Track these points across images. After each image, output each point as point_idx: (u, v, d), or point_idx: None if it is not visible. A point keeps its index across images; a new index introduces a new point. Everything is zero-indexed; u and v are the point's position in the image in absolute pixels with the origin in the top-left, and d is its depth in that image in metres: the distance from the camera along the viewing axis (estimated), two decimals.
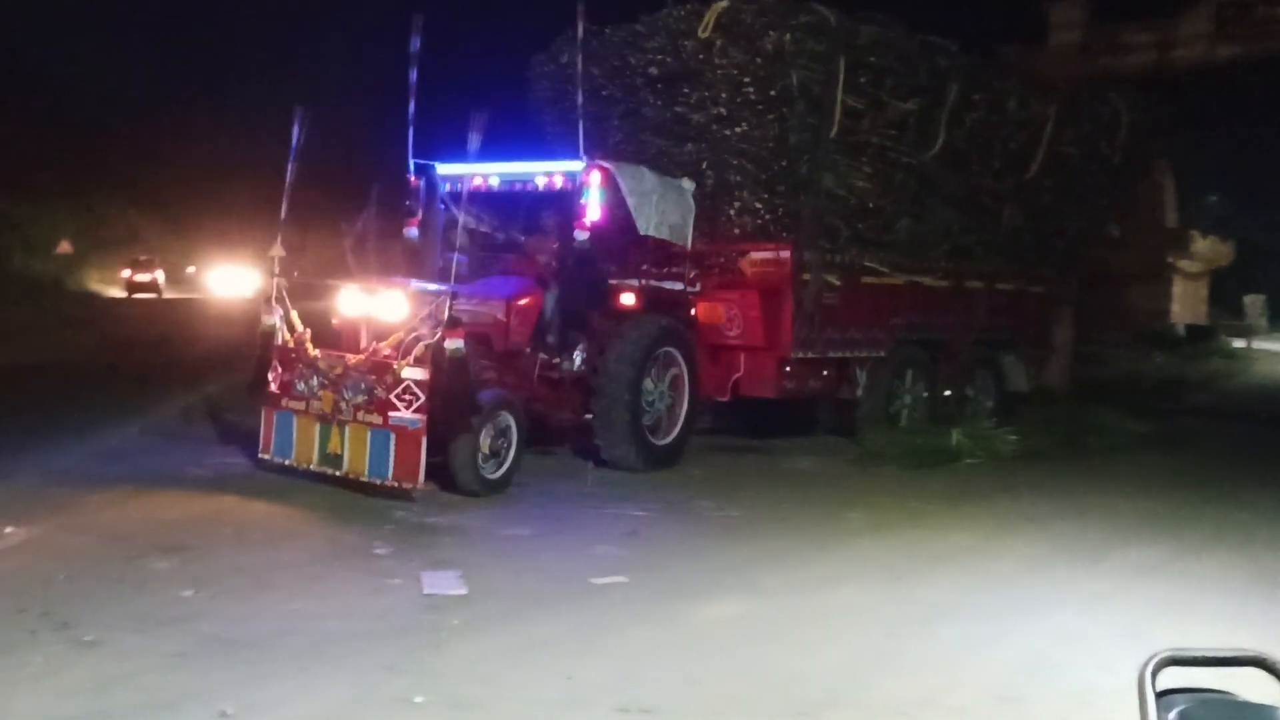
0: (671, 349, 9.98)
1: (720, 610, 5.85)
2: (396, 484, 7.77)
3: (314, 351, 8.26)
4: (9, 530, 6.55)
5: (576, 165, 9.43)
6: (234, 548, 6.58)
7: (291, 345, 8.39)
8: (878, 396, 11.70)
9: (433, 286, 8.82)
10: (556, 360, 9.66)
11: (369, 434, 7.86)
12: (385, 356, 7.96)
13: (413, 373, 7.79)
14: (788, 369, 10.81)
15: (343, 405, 8.01)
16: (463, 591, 5.90)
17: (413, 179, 10.13)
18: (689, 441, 10.23)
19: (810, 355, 10.94)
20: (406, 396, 7.77)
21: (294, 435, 8.31)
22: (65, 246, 35.55)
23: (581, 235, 9.25)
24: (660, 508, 8.26)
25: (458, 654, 4.99)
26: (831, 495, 9.00)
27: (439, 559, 6.50)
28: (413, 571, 6.20)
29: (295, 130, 8.75)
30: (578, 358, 9.71)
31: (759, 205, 10.64)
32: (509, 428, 8.46)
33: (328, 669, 4.71)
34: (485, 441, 8.25)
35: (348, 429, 7.99)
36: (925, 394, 12.21)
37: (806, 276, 10.65)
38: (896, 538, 7.59)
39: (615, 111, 11.09)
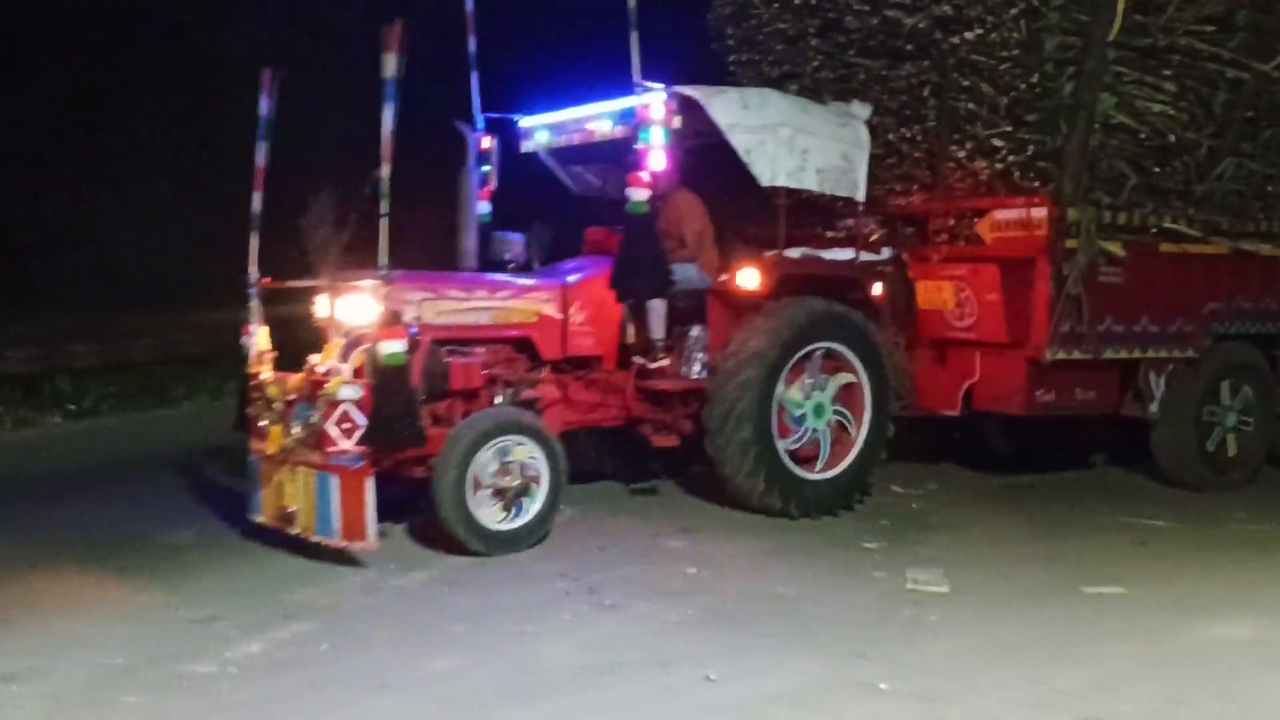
0: (835, 345, 7.51)
1: (1225, 631, 5.37)
2: (346, 544, 6.09)
3: (266, 375, 6.65)
4: (564, 510, 7.55)
5: (641, 100, 6.98)
6: (736, 534, 7.16)
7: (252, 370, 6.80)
8: (1184, 415, 8.45)
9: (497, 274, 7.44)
10: (662, 365, 7.54)
11: (315, 478, 6.17)
12: (322, 373, 6.27)
13: (349, 391, 6.07)
14: (1042, 375, 7.93)
15: (289, 442, 6.32)
16: (945, 589, 5.97)
17: (483, 138, 8.10)
18: (869, 475, 7.75)
19: (1077, 355, 7.93)
20: (345, 424, 6.05)
21: (259, 484, 6.72)
22: None
23: (638, 195, 6.86)
24: (1180, 517, 7.68)
25: (930, 648, 5.10)
26: None
27: (927, 556, 6.61)
28: (899, 566, 6.37)
29: (264, 101, 6.78)
30: (697, 361, 7.61)
31: (1000, 144, 7.85)
32: (531, 461, 6.52)
33: (803, 649, 5.05)
34: (482, 481, 6.39)
35: (298, 473, 6.31)
36: (1259, 413, 8.77)
37: (1072, 243, 7.69)
38: None
39: (811, 25, 8.69)
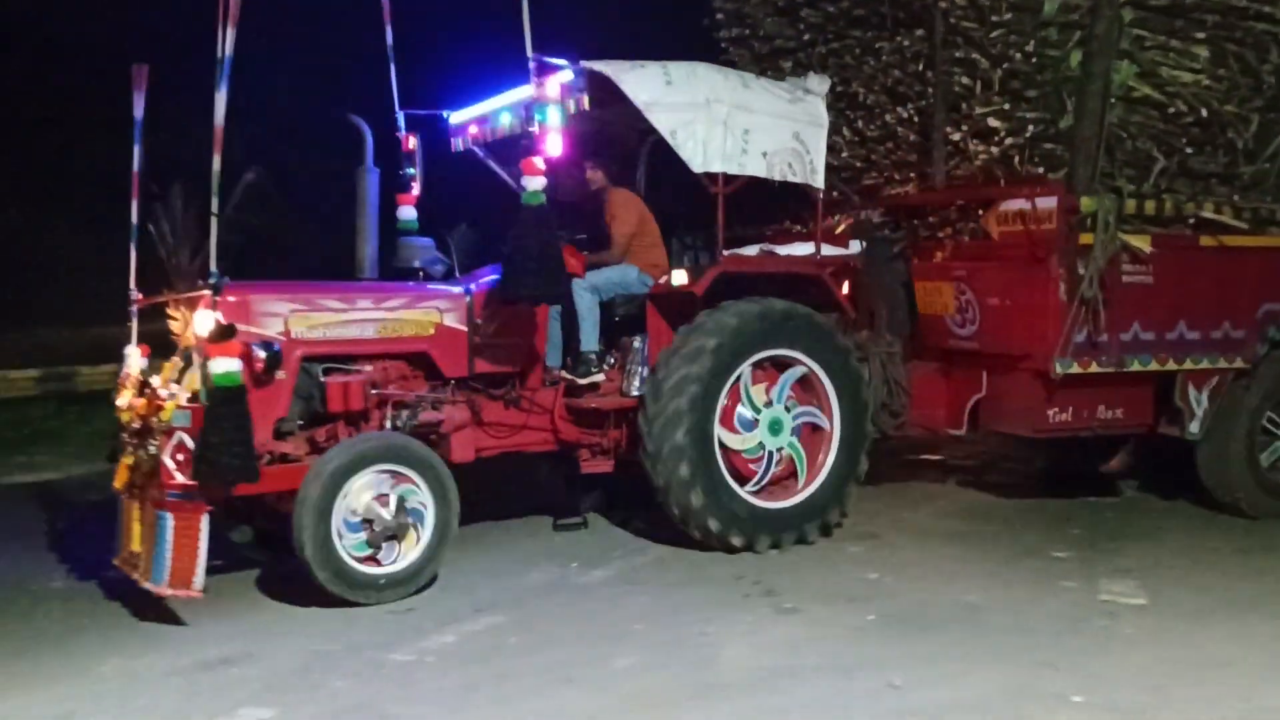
0: (791, 352, 6.68)
1: None
2: (171, 593, 5.36)
3: (121, 400, 6.05)
4: None
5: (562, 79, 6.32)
6: (917, 540, 7.04)
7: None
8: (1235, 434, 7.38)
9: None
10: (596, 380, 6.82)
11: (156, 517, 5.46)
12: (163, 397, 5.68)
13: (181, 417, 5.41)
14: (1056, 391, 7.01)
15: (135, 476, 5.74)
16: (1141, 601, 5.73)
17: (405, 137, 7.31)
18: (843, 496, 6.83)
19: (1095, 369, 6.96)
20: (180, 455, 5.37)
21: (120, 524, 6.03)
22: None
23: (533, 184, 5.99)
24: None
25: (1125, 661, 4.90)
26: None
27: (1121, 567, 6.35)
28: (1091, 576, 6.15)
29: (137, 100, 6.20)
30: (638, 376, 6.80)
31: (996, 124, 7.02)
32: (413, 496, 5.76)
33: (990, 658, 4.93)
34: (350, 517, 5.64)
35: (146, 510, 5.63)
36: None
37: (1087, 239, 6.76)
38: None
39: None
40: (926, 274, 7.57)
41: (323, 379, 6.07)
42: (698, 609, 5.65)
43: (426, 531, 5.81)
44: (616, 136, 7.64)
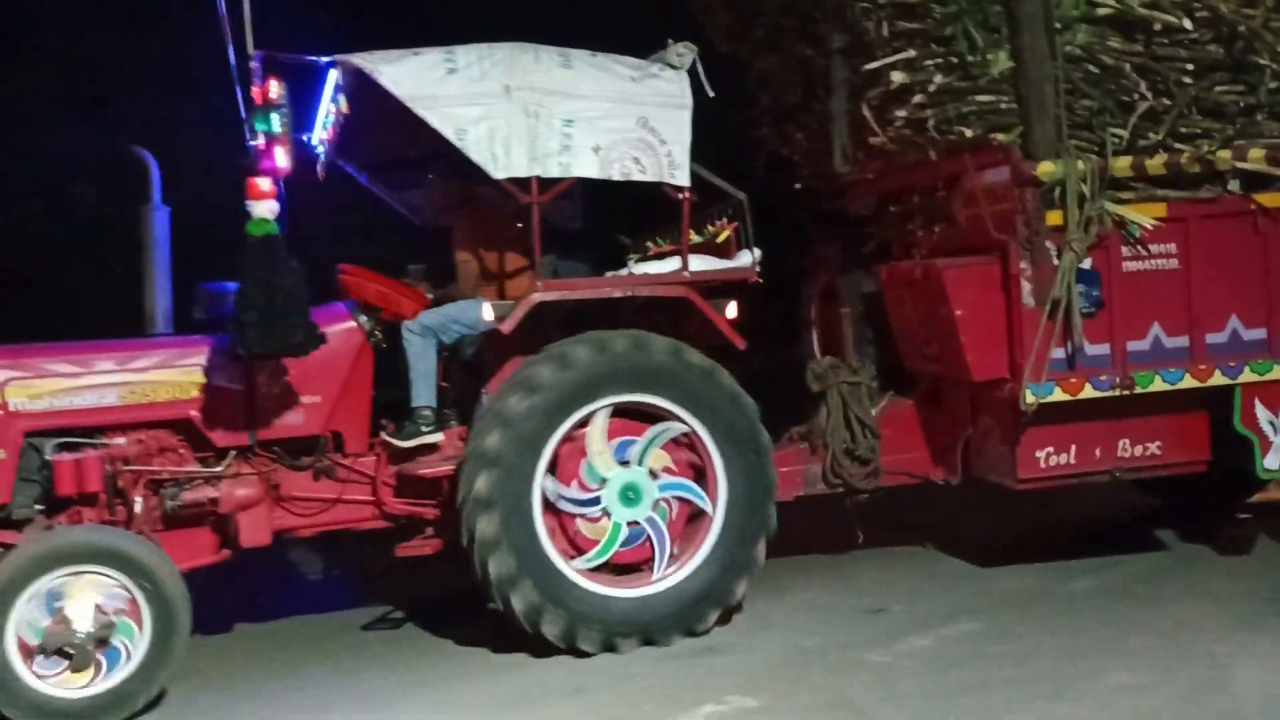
0: (653, 398, 5.26)
1: None
2: None
3: None
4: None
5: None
6: None
7: None
8: None
9: None
10: (428, 441, 5.49)
11: None
12: None
13: None
14: (1045, 424, 5.42)
15: None
16: None
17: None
18: (732, 584, 5.34)
19: (1093, 393, 5.36)
20: None
21: None
22: None
23: (259, 209, 4.90)
24: None
25: None
26: None
27: None
28: None
29: None
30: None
31: (934, 85, 5.42)
32: (117, 600, 4.78)
33: None
34: (30, 632, 4.70)
35: None
36: None
37: (1055, 217, 5.26)
38: None
39: None
40: (892, 280, 6.15)
41: (50, 457, 5.19)
42: (1204, 627, 5.13)
43: (142, 640, 4.83)
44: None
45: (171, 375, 5.39)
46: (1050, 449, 5.57)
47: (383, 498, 5.60)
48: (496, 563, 5.11)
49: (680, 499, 5.41)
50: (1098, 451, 5.59)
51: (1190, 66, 5.52)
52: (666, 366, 5.29)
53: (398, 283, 5.88)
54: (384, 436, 5.60)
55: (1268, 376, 5.50)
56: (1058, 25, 5.36)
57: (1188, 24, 5.44)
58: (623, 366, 5.26)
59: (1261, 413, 5.56)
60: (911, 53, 5.50)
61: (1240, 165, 5.43)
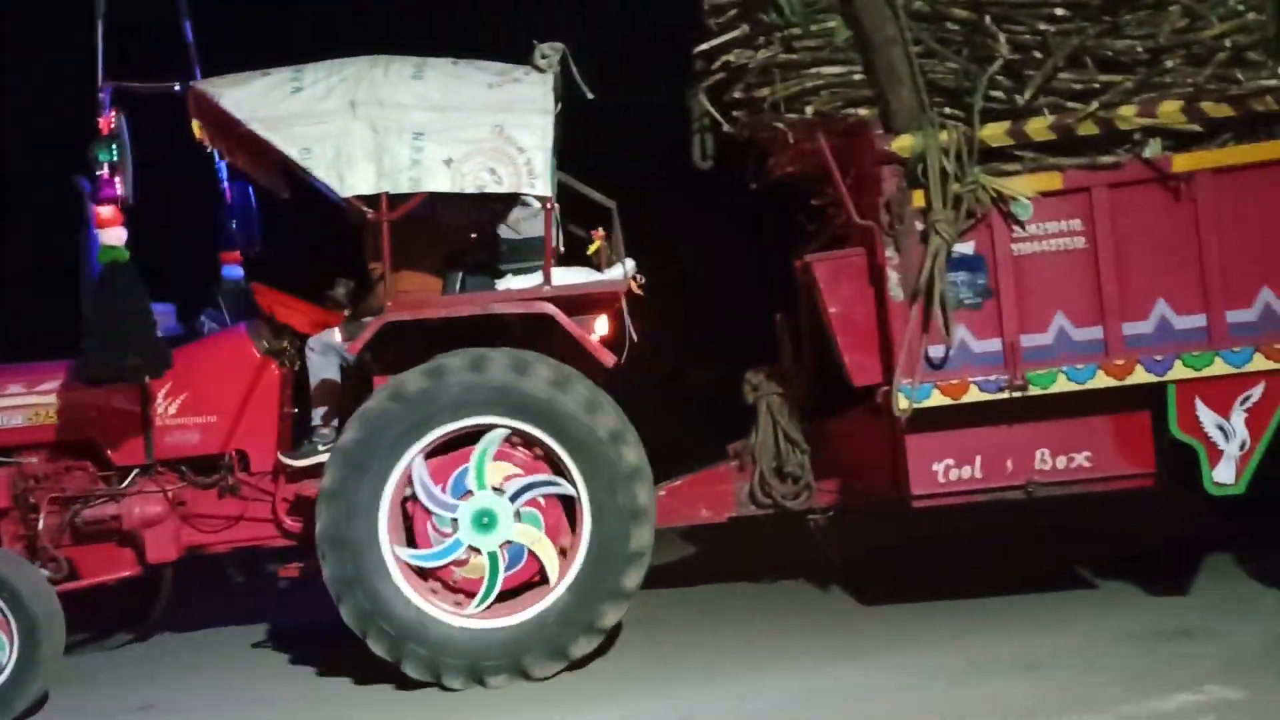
0: (510, 421, 5.09)
1: None
2: None
3: None
4: None
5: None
6: None
7: None
8: None
9: None
10: (322, 459, 5.36)
11: None
12: None
13: None
14: (941, 431, 4.92)
15: None
16: None
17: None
18: (595, 615, 5.09)
19: (981, 395, 4.82)
20: None
21: None
22: None
23: (109, 237, 5.12)
24: None
25: None
26: None
27: None
28: None
29: None
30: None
31: (754, 62, 5.09)
32: None
33: None
34: None
35: None
36: None
37: (919, 198, 4.80)
38: None
39: None
40: (800, 279, 5.71)
41: None
42: None
43: (8, 662, 5.09)
44: None
45: (70, 398, 5.69)
46: (950, 461, 5.00)
47: (280, 516, 5.72)
48: (352, 602, 5.10)
49: (544, 496, 5.19)
50: (1009, 464, 4.99)
51: (1060, 12, 4.78)
52: (506, 387, 5.11)
53: (300, 301, 5.96)
54: (279, 455, 5.68)
55: (1206, 372, 4.73)
56: None
57: None
58: (456, 393, 5.10)
59: (1206, 415, 4.80)
60: (745, 28, 5.07)
61: (1146, 122, 4.74)
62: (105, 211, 5.16)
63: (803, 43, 4.95)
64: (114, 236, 5.18)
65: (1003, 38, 4.75)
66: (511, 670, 5.06)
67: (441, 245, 5.56)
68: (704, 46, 5.18)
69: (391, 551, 5.09)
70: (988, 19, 4.76)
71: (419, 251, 5.54)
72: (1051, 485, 5.01)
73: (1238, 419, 4.72)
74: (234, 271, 6.45)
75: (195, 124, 5.38)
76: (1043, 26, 4.77)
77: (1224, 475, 4.78)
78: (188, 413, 5.65)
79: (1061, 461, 4.95)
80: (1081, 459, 4.94)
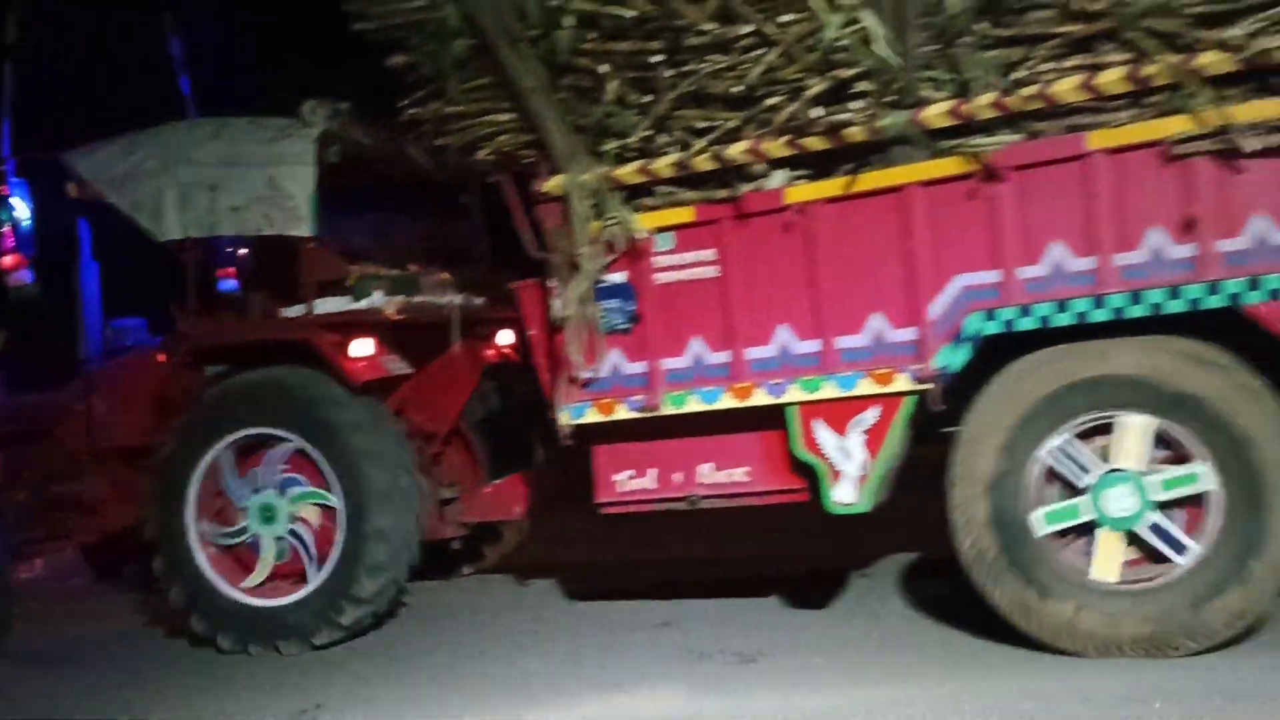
0: (280, 432, 5.86)
1: None
2: None
3: None
4: None
5: None
6: None
7: None
8: (970, 489, 4.58)
9: None
10: None
11: None
12: None
13: None
14: (612, 443, 5.27)
15: None
16: None
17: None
18: (353, 603, 5.71)
19: (627, 413, 5.13)
20: None
21: None
22: None
23: (16, 280, 6.35)
24: None
25: None
26: None
27: None
28: None
29: None
30: None
31: (458, 108, 5.33)
32: None
33: None
34: None
35: None
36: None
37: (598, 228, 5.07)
38: None
39: None
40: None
41: None
42: None
43: None
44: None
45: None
46: (630, 472, 5.26)
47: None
48: (176, 594, 5.99)
49: (317, 504, 5.90)
50: (678, 476, 5.20)
51: (657, 59, 4.87)
52: (277, 395, 5.88)
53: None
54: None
55: (818, 395, 4.83)
56: (531, 34, 4.97)
57: (627, 13, 4.82)
58: (237, 404, 5.92)
59: (826, 437, 4.87)
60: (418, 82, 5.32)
61: (749, 159, 4.85)
62: (7, 260, 6.32)
63: (469, 94, 5.19)
64: (19, 279, 6.37)
65: (615, 83, 4.94)
66: (265, 644, 5.77)
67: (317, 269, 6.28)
68: (405, 102, 5.40)
69: (196, 527, 5.95)
70: (602, 67, 4.96)
71: (289, 278, 6.32)
72: (714, 498, 5.22)
73: (855, 440, 4.82)
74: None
75: (70, 185, 6.35)
76: (654, 73, 4.94)
77: (844, 495, 4.87)
78: (119, 410, 6.80)
79: (724, 476, 5.17)
80: (740, 474, 5.16)
